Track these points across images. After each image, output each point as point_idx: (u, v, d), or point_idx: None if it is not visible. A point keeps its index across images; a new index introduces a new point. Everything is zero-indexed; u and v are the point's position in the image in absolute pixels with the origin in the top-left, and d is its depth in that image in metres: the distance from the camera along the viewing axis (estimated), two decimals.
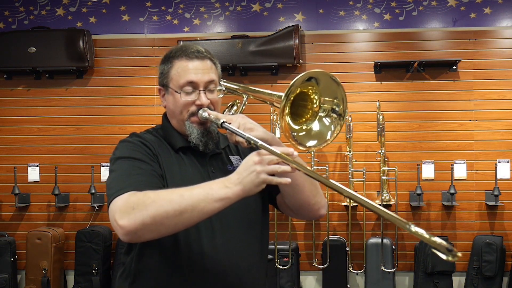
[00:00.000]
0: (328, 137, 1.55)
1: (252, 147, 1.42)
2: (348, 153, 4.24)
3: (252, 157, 1.36)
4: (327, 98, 1.54)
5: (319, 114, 1.55)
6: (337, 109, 1.54)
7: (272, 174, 1.36)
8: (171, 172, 1.57)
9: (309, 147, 1.54)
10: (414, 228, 1.15)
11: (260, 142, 1.38)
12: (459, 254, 1.06)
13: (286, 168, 1.34)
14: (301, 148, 1.53)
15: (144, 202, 1.36)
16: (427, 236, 1.12)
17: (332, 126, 1.55)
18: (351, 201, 4.21)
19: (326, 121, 1.55)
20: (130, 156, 1.54)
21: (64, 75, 4.50)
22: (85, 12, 4.55)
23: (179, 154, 1.64)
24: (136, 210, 1.35)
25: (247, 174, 1.35)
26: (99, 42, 4.51)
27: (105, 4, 4.56)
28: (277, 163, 1.34)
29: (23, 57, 4.35)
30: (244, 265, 1.60)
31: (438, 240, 1.09)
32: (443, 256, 1.07)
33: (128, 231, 1.36)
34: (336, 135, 1.55)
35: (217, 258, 1.54)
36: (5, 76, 4.53)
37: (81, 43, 4.31)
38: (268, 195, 1.70)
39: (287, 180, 1.35)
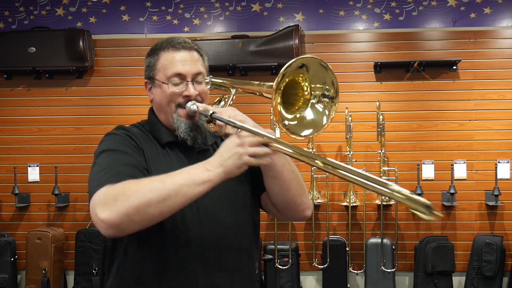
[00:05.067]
0: (324, 122, 1.53)
1: None
2: (348, 153, 4.24)
3: (233, 139, 1.36)
4: (317, 85, 1.52)
5: (311, 101, 1.53)
6: (327, 93, 1.52)
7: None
8: (157, 167, 1.53)
9: (305, 136, 1.52)
10: (393, 186, 1.17)
11: (241, 124, 1.37)
12: (440, 214, 1.10)
13: (267, 150, 1.36)
14: (295, 137, 1.50)
15: (126, 192, 1.32)
16: (408, 194, 1.15)
17: (326, 111, 1.53)
18: (351, 201, 4.21)
19: (319, 107, 1.53)
20: (114, 149, 1.51)
21: (64, 75, 4.50)
22: (85, 12, 4.55)
23: (166, 150, 1.60)
24: (118, 201, 1.31)
25: (228, 156, 1.35)
26: (99, 42, 4.51)
27: (105, 4, 4.56)
28: (258, 145, 1.35)
29: (23, 57, 4.35)
30: (234, 262, 1.56)
31: (416, 197, 1.13)
32: (425, 217, 1.12)
33: (111, 224, 1.31)
34: (332, 118, 1.53)
35: (206, 257, 1.51)
36: (5, 76, 4.53)
37: (81, 43, 4.31)
38: (256, 194, 1.66)
39: (268, 160, 1.37)
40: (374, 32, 4.42)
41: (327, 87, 1.51)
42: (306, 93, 1.53)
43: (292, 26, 4.26)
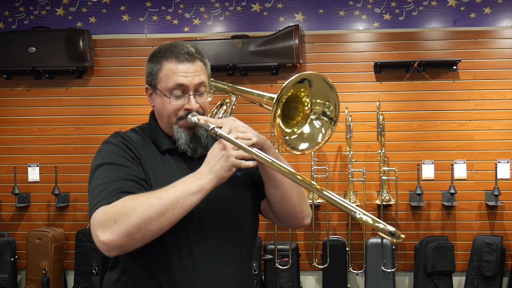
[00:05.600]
0: (319, 140, 1.52)
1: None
2: (348, 153, 4.24)
3: (216, 145, 1.44)
4: (318, 101, 1.51)
5: (310, 116, 1.53)
6: (328, 112, 1.51)
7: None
8: (155, 175, 1.53)
9: (302, 150, 1.52)
10: (359, 215, 1.19)
11: (220, 132, 1.44)
12: (402, 235, 1.14)
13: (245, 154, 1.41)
14: (295, 152, 1.51)
15: (125, 212, 1.34)
16: (371, 222, 1.18)
17: (323, 129, 1.52)
18: (351, 201, 4.21)
19: (317, 124, 1.52)
20: (111, 162, 1.50)
21: (64, 75, 4.50)
22: (85, 12, 4.55)
23: (166, 156, 1.59)
24: (118, 222, 1.34)
25: (215, 161, 1.42)
26: (99, 42, 4.51)
27: (105, 4, 4.56)
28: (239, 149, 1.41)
29: (23, 57, 4.35)
30: (234, 270, 1.57)
31: (381, 225, 1.16)
32: (389, 238, 1.15)
33: (113, 246, 1.34)
34: (327, 139, 1.52)
35: (208, 263, 1.52)
36: (5, 76, 4.53)
37: (81, 43, 4.31)
38: (257, 201, 1.67)
39: (253, 163, 1.43)
40: (374, 32, 4.42)
41: (328, 104, 1.51)
42: (306, 108, 1.52)
43: (292, 26, 4.26)
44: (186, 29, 4.52)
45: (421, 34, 4.40)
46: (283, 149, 1.51)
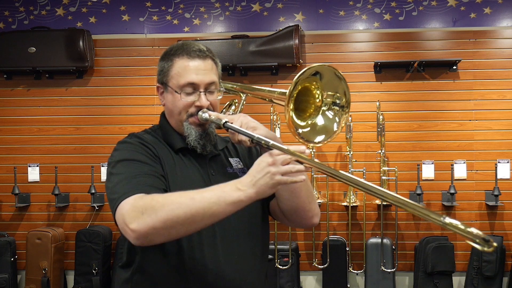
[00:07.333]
0: (335, 129, 1.57)
1: (251, 147, 1.42)
2: (348, 153, 4.24)
3: (265, 158, 1.33)
4: (329, 93, 1.55)
5: (322, 108, 1.57)
6: (338, 101, 1.56)
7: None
8: (173, 174, 1.55)
9: (318, 142, 1.55)
10: (448, 220, 1.10)
11: (272, 142, 1.34)
12: (495, 244, 1.05)
13: (300, 167, 1.30)
14: (310, 144, 1.54)
15: (153, 206, 1.33)
16: (462, 227, 1.08)
17: (337, 118, 1.57)
18: (351, 201, 4.21)
19: (329, 114, 1.57)
20: (132, 158, 1.51)
21: (64, 75, 4.50)
22: (85, 12, 4.55)
23: (179, 156, 1.61)
24: (145, 214, 1.32)
25: (261, 176, 1.31)
26: (99, 42, 4.51)
27: (105, 4, 4.56)
28: (289, 163, 1.31)
29: (23, 57, 4.35)
30: (245, 268, 1.59)
31: (474, 231, 1.06)
32: (479, 247, 1.06)
33: (139, 235, 1.33)
34: (344, 126, 1.57)
35: (219, 262, 1.53)
36: (5, 76, 4.53)
37: (81, 43, 4.31)
38: (265, 199, 1.67)
39: (301, 178, 1.32)
40: (374, 32, 4.42)
41: (338, 95, 1.56)
42: (318, 100, 1.56)
43: (292, 26, 4.26)
44: (186, 29, 4.52)
45: (421, 34, 4.40)
46: (298, 142, 1.52)
